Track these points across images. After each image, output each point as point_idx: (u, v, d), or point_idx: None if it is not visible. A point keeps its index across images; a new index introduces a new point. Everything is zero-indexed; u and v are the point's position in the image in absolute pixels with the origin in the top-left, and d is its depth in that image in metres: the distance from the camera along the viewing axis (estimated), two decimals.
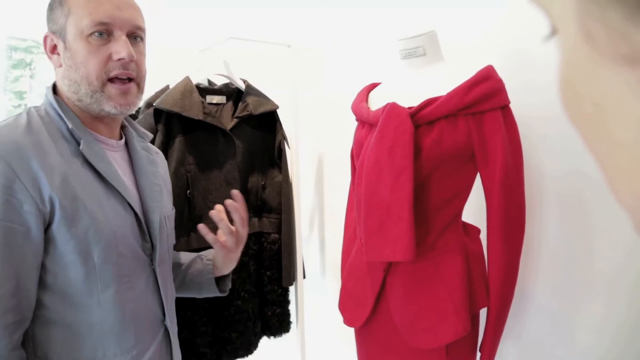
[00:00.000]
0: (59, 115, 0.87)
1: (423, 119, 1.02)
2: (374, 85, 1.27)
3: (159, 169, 1.07)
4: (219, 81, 1.67)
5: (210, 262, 1.16)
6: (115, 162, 0.94)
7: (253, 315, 1.63)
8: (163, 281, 1.01)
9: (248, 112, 1.57)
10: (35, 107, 0.90)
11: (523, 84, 1.13)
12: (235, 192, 1.06)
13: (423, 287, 1.06)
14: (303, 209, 1.73)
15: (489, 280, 1.07)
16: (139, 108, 1.66)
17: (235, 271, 1.58)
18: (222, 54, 1.63)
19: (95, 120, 0.92)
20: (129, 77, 0.90)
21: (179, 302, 1.52)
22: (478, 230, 1.15)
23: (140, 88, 0.94)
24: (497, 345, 1.09)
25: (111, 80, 0.87)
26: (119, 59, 0.86)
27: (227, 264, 1.15)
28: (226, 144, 1.54)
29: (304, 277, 1.75)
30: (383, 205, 1.02)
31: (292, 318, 1.76)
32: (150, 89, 1.58)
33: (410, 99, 1.07)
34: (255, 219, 1.66)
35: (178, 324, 1.54)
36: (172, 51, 1.99)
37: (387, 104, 1.04)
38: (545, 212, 1.16)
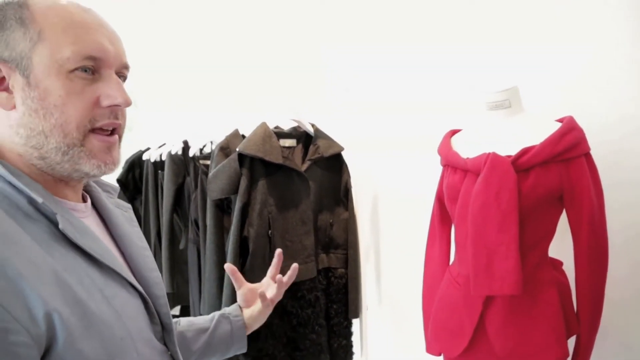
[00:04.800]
0: (10, 184, 0.63)
1: (520, 166, 1.14)
2: (454, 132, 1.40)
3: (137, 227, 0.87)
4: (285, 125, 1.77)
5: (240, 319, 1.05)
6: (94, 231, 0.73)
7: (324, 348, 1.70)
8: None
9: (319, 155, 1.68)
10: None
11: None
12: (279, 251, 1.09)
13: (522, 317, 1.17)
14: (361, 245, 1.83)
15: (579, 309, 1.19)
16: (213, 152, 1.76)
17: (310, 305, 1.67)
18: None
19: (59, 183, 0.70)
20: (113, 128, 0.71)
21: (262, 338, 1.59)
22: (561, 263, 1.28)
23: (121, 140, 0.75)
24: None
25: (93, 130, 0.67)
26: (111, 105, 0.68)
27: (260, 320, 1.08)
28: (301, 185, 1.64)
29: (367, 308, 1.84)
30: (490, 245, 1.13)
31: (354, 349, 1.84)
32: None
33: (498, 147, 1.20)
34: (324, 255, 1.75)
35: (260, 359, 1.61)
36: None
37: (489, 154, 1.16)
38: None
